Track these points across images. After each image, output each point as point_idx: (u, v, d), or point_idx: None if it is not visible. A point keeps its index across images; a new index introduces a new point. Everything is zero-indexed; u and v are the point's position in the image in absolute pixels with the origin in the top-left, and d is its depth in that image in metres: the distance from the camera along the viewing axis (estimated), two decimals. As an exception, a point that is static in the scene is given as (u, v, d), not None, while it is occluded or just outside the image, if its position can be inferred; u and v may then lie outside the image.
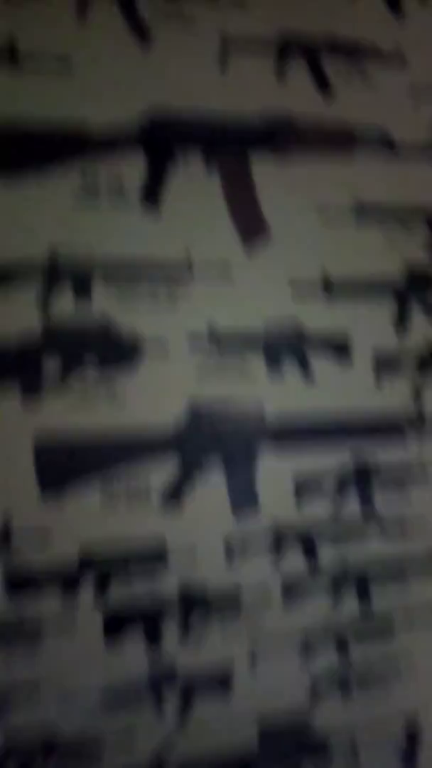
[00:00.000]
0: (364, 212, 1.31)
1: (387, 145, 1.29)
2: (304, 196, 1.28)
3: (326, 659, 1.44)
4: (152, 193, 1.20)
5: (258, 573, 1.41)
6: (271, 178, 1.26)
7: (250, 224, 1.26)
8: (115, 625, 1.34)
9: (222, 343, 1.30)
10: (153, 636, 1.35)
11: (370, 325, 1.37)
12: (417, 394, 1.41)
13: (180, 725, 1.35)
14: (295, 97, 1.23)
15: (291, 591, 1.43)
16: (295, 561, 1.43)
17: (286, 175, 1.26)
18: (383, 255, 1.35)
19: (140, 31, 1.15)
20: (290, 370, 1.35)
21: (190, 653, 1.36)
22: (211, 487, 1.34)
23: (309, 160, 1.26)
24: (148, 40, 1.15)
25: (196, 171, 1.22)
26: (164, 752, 1.34)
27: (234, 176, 1.23)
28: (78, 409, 1.25)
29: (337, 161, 1.27)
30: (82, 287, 1.21)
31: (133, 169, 1.18)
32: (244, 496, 1.36)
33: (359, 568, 1.47)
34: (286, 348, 1.34)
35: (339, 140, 1.26)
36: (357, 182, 1.29)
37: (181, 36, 1.16)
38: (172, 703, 1.34)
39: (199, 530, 1.35)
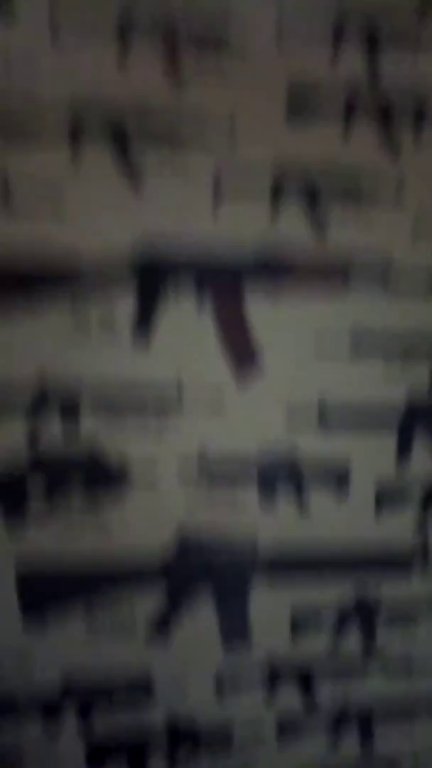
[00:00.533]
0: (362, 342, 1.28)
1: (385, 276, 1.27)
2: (299, 325, 1.26)
3: (322, 805, 1.36)
4: (143, 325, 1.21)
5: (251, 708, 1.36)
6: (265, 309, 1.25)
7: (242, 352, 1.25)
8: (98, 756, 1.30)
9: (213, 471, 1.28)
10: (139, 769, 1.31)
11: (370, 455, 1.32)
12: (421, 527, 1.34)
13: None
14: (289, 231, 1.23)
15: (286, 728, 1.37)
16: (290, 697, 1.37)
17: (280, 305, 1.25)
18: (383, 384, 1.31)
19: (132, 171, 1.18)
20: (285, 500, 1.31)
21: (177, 790, 1.30)
22: (201, 618, 1.31)
23: (303, 292, 1.25)
24: (140, 179, 1.18)
25: (188, 301, 1.22)
26: None
27: (226, 305, 1.23)
28: (63, 535, 1.24)
29: (333, 292, 1.26)
30: (70, 413, 1.22)
31: (124, 302, 1.20)
32: (235, 629, 1.32)
33: (361, 707, 1.39)
34: (281, 477, 1.30)
35: (334, 273, 1.25)
36: (354, 312, 1.27)
37: (173, 173, 1.18)
38: None
39: (187, 662, 1.32)
